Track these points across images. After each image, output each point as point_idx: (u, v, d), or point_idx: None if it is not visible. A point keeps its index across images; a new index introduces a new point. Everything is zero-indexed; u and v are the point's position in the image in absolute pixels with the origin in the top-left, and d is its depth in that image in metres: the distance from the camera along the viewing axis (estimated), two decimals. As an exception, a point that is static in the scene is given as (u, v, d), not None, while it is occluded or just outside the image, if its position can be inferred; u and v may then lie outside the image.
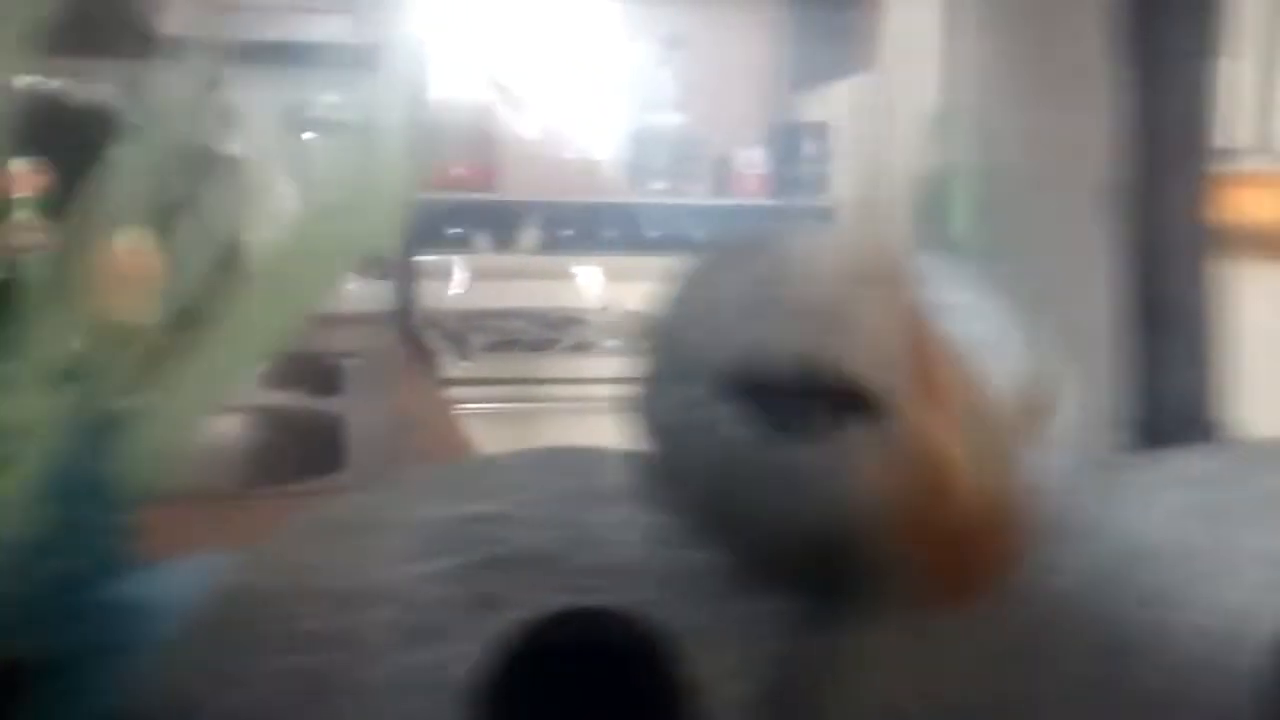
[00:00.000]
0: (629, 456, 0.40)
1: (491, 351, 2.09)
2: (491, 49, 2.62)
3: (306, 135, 2.58)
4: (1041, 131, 2.43)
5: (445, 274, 2.56)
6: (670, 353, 0.38)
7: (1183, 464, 0.34)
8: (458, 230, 2.58)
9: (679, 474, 0.38)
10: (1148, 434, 0.50)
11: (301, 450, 1.45)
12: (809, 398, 0.37)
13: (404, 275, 2.57)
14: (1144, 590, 0.30)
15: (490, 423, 1.93)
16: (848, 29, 2.72)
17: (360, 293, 2.54)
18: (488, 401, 2.00)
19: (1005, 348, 0.37)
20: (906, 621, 0.35)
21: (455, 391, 1.98)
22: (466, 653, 0.34)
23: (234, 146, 2.33)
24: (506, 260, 2.59)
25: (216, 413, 0.43)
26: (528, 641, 0.34)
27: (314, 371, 1.76)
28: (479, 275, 2.58)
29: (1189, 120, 0.49)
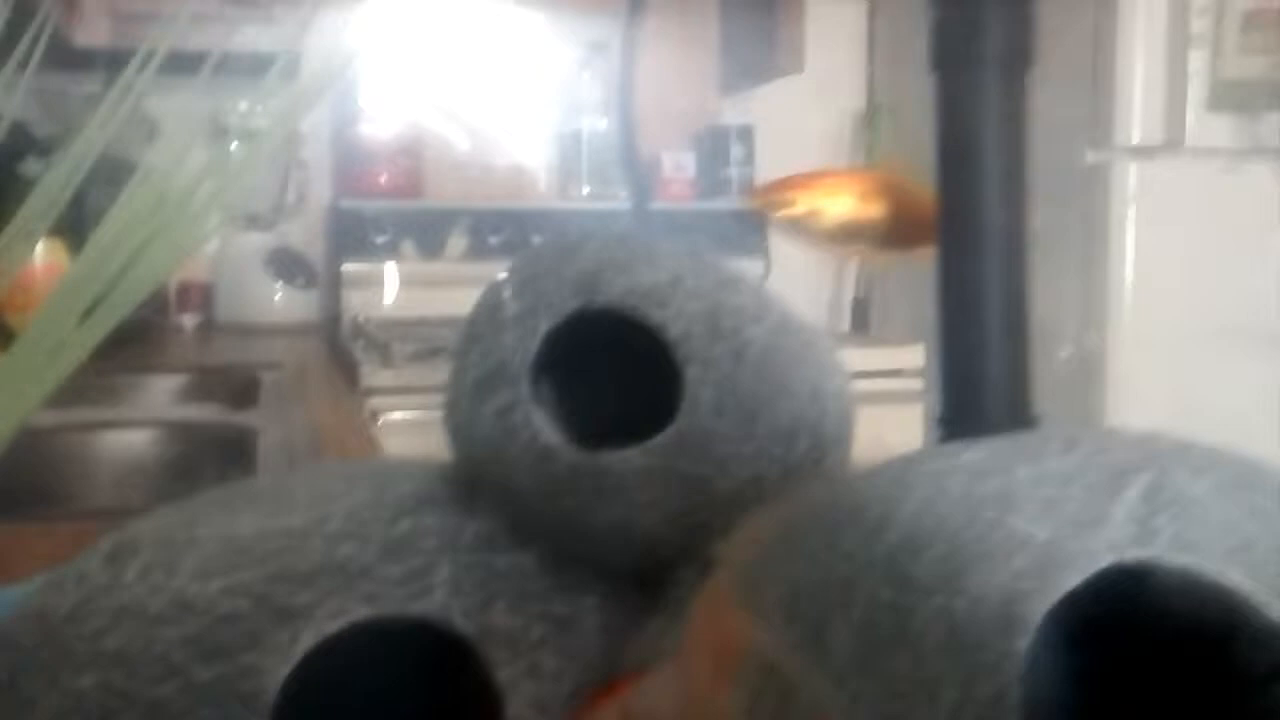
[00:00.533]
0: (441, 465, 0.40)
1: (416, 360, 2.08)
2: (417, 56, 2.61)
3: (233, 144, 2.56)
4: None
5: (372, 282, 2.55)
6: (478, 358, 0.39)
7: (967, 453, 0.35)
8: (384, 238, 2.56)
9: (490, 480, 0.38)
10: (967, 430, 0.51)
11: (214, 464, 1.44)
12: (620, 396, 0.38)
13: (330, 284, 2.55)
14: (924, 578, 0.30)
15: (414, 431, 1.92)
16: (775, 32, 2.74)
17: (286, 303, 2.52)
18: (411, 409, 1.99)
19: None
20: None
21: (378, 401, 1.98)
22: (264, 666, 0.34)
23: (156, 157, 2.31)
24: (434, 267, 2.58)
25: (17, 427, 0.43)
26: (326, 654, 0.35)
27: (231, 384, 1.74)
28: (406, 283, 2.57)
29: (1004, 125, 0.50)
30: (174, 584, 0.35)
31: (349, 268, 2.53)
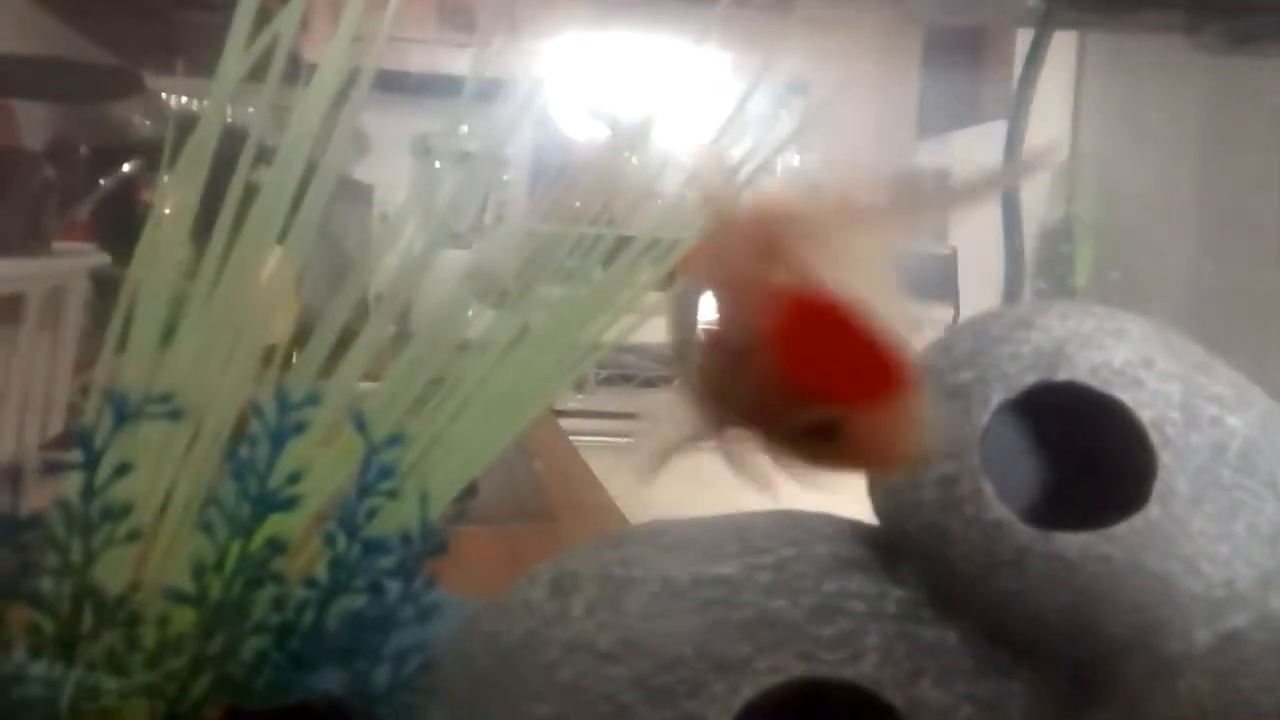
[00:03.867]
0: (857, 526, 0.39)
1: (607, 384, 2.09)
2: (613, 88, 2.65)
3: (438, 164, 2.64)
4: (1170, 188, 2.37)
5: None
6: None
7: None
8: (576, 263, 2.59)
9: (922, 549, 0.37)
10: None
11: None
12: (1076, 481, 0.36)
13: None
14: None
15: (600, 455, 1.93)
16: (979, 78, 2.69)
17: (479, 320, 2.57)
18: (600, 434, 2.00)
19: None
20: (1158, 716, 0.33)
21: (568, 423, 1.99)
22: (704, 714, 0.34)
23: (368, 173, 2.39)
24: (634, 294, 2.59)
25: (506, 440, 0.44)
26: (765, 708, 0.34)
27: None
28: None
29: None
30: (621, 622, 0.35)
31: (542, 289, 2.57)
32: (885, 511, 0.39)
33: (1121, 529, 0.34)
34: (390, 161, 2.50)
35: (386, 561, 0.31)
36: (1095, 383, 0.35)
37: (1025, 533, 0.34)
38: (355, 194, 2.30)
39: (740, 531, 0.38)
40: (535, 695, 0.34)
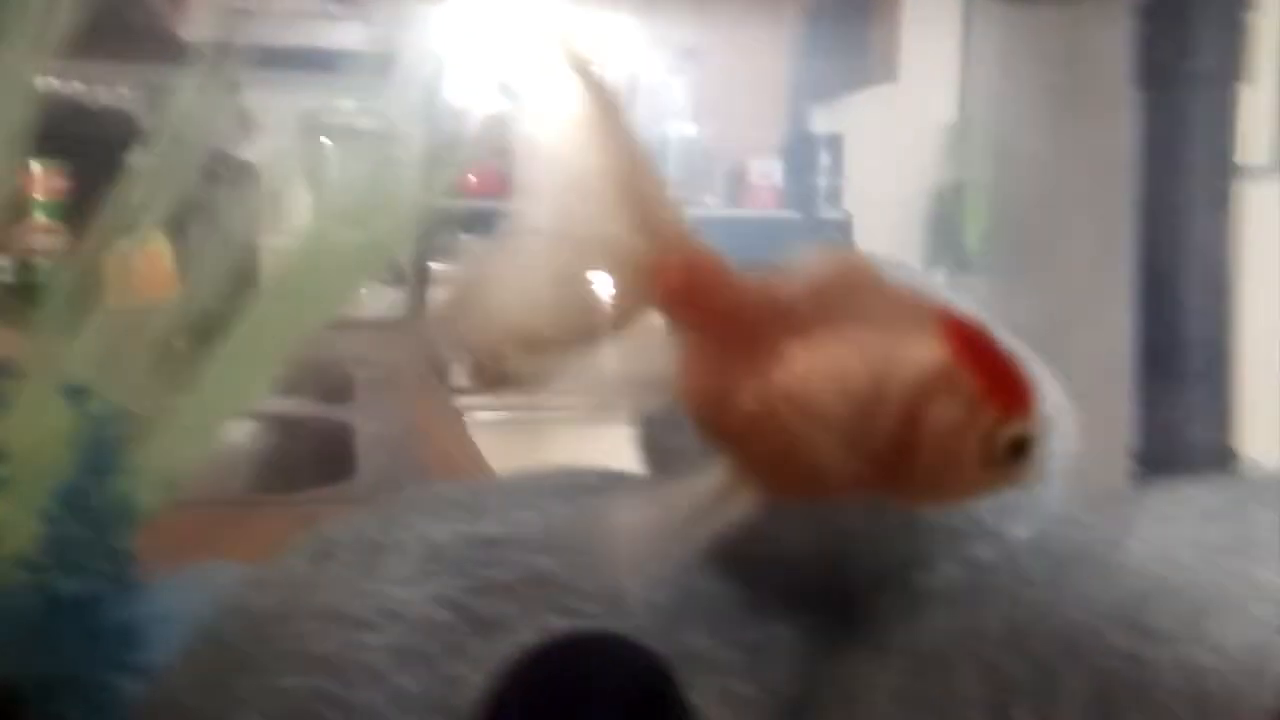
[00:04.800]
0: (630, 478, 0.40)
1: (504, 360, 2.08)
2: (506, 58, 2.63)
3: (323, 141, 2.59)
4: (1060, 150, 2.42)
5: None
6: None
7: (1195, 497, 0.34)
8: (471, 238, 2.58)
9: None
10: (1160, 466, 0.49)
11: (310, 458, 1.45)
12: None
13: (419, 282, 2.58)
14: (1161, 626, 0.29)
15: (499, 432, 1.92)
16: (866, 41, 2.72)
17: (374, 299, 2.54)
18: (497, 409, 2.00)
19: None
20: (907, 648, 0.35)
21: (465, 400, 1.98)
22: (466, 676, 0.34)
23: (251, 152, 2.34)
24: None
25: (236, 420, 0.44)
26: (528, 666, 0.34)
27: (324, 378, 1.76)
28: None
29: (1213, 147, 0.48)
30: (373, 590, 0.35)
31: (436, 266, 2.55)
32: (652, 465, 0.40)
33: None
34: (277, 140, 2.46)
35: (104, 542, 0.31)
36: None
37: None
38: (240, 174, 2.25)
39: (509, 490, 0.39)
40: (287, 666, 0.34)
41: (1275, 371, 2.29)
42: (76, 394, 0.32)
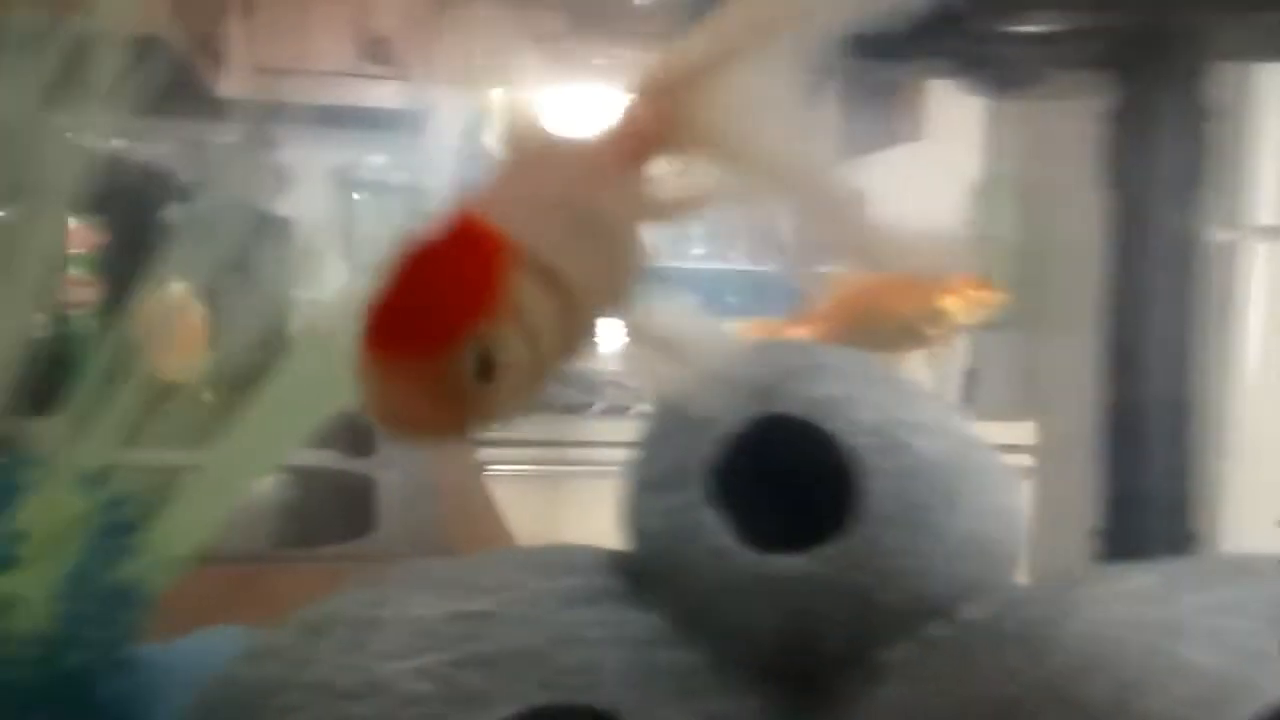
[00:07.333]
0: (613, 555, 0.41)
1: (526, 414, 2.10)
2: (540, 114, 2.66)
3: (356, 196, 2.64)
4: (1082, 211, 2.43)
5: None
6: (655, 458, 0.40)
7: (1137, 579, 0.35)
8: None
9: (660, 576, 0.39)
10: (1122, 544, 0.49)
11: (333, 511, 1.46)
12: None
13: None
14: (1091, 700, 0.31)
15: (521, 485, 1.93)
16: (892, 101, 2.74)
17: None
18: (520, 463, 2.01)
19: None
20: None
21: (488, 453, 2.00)
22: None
23: (285, 207, 2.38)
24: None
25: (266, 475, 0.44)
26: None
27: (347, 431, 1.77)
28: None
29: (1175, 228, 0.49)
30: (364, 663, 0.36)
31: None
32: (630, 540, 0.41)
33: (828, 549, 0.36)
34: (310, 195, 2.50)
35: (115, 617, 0.32)
36: (805, 414, 0.37)
37: (746, 556, 0.37)
38: (275, 229, 2.29)
39: (499, 566, 0.40)
40: None
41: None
42: (92, 482, 0.34)
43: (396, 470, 1.52)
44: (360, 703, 0.36)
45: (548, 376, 0.30)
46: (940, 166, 2.87)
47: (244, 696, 0.37)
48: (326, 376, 0.46)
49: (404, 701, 0.36)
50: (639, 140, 0.34)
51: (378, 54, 2.73)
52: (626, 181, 0.34)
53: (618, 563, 0.41)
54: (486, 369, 0.27)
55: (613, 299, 0.33)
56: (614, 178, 0.33)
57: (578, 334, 0.31)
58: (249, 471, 0.44)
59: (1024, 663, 0.31)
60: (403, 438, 0.28)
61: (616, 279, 0.33)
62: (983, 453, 0.39)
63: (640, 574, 0.40)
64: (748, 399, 0.38)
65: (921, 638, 0.36)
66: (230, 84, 2.36)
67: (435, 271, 0.27)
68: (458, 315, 0.27)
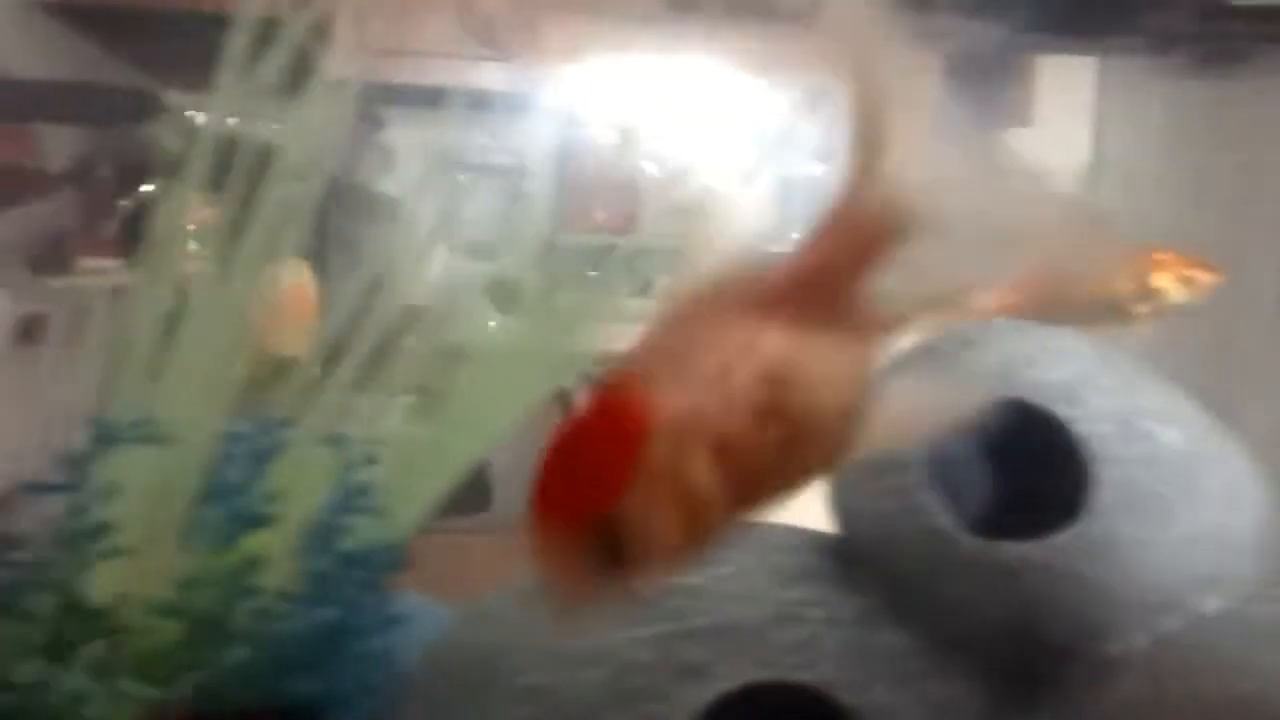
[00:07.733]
0: (824, 535, 0.40)
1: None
2: (636, 97, 2.66)
3: (460, 177, 2.66)
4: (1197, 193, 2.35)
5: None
6: None
7: None
8: (598, 274, 2.61)
9: (876, 558, 0.38)
10: None
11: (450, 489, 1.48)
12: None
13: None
14: None
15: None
16: (1002, 85, 2.69)
17: (499, 331, 2.59)
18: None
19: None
20: (1090, 717, 0.34)
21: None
22: (670, 717, 0.35)
23: (391, 185, 2.41)
24: (641, 304, 2.61)
25: (486, 449, 0.45)
26: (727, 712, 0.35)
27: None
28: (618, 321, 2.61)
29: None
30: (584, 631, 0.36)
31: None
32: (842, 522, 0.40)
33: (1060, 538, 0.35)
34: (414, 175, 2.52)
35: (356, 575, 0.33)
36: (1037, 399, 0.36)
37: (970, 542, 0.36)
38: (380, 208, 2.32)
39: None
40: (511, 698, 0.36)
41: None
42: (336, 442, 0.34)
43: (509, 449, 1.53)
44: (586, 668, 0.36)
45: (720, 533, 0.28)
46: (1049, 152, 2.80)
47: (474, 658, 0.38)
48: (548, 350, 0.46)
49: (628, 669, 0.36)
50: (856, 246, 0.29)
51: (481, 34, 2.74)
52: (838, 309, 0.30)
53: (822, 543, 0.41)
54: (612, 548, 0.27)
55: (832, 446, 0.29)
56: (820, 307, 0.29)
57: (767, 486, 0.28)
58: (471, 444, 0.44)
59: (1267, 659, 0.30)
60: (562, 599, 0.28)
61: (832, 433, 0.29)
62: (1224, 441, 0.37)
63: (852, 555, 0.40)
64: (978, 383, 0.37)
65: (1156, 631, 0.34)
66: (335, 62, 2.39)
67: (578, 452, 0.28)
68: (588, 499, 0.28)
